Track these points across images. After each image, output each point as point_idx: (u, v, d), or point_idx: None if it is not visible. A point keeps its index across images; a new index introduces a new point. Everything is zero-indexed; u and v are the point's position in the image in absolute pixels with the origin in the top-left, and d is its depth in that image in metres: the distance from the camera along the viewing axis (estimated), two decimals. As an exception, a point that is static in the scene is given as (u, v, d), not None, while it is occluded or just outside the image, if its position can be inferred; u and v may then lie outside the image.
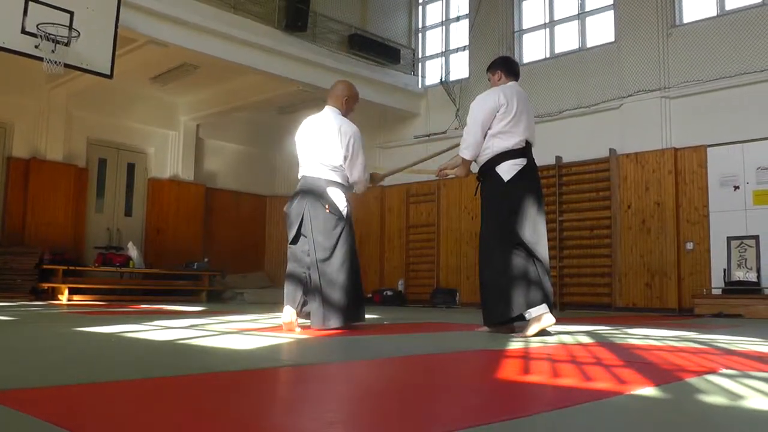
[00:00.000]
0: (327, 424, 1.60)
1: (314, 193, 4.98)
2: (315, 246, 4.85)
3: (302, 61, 11.38)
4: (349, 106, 5.37)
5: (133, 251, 11.87)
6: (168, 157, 13.55)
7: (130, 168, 13.14)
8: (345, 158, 5.03)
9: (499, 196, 4.62)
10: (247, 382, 2.29)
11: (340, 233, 4.94)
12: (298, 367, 2.80)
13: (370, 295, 12.82)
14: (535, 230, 4.49)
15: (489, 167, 4.68)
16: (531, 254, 4.42)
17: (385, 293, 12.69)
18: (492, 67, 4.98)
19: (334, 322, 4.73)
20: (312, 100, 12.78)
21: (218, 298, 12.90)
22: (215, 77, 11.84)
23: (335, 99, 5.35)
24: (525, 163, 4.63)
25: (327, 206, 4.89)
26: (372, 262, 13.66)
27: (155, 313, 7.16)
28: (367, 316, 7.36)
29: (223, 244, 14.02)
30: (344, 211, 5.01)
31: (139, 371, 2.59)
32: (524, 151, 4.66)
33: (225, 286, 13.27)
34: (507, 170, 4.58)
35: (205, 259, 13.02)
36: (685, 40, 10.23)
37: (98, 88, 11.02)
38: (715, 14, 10.19)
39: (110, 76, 9.15)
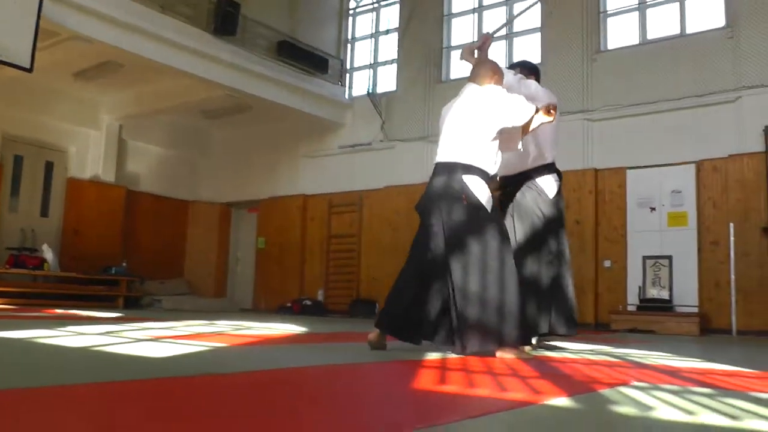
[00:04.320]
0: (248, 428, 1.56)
1: None
2: None
3: (230, 65, 11.22)
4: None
5: (48, 253, 11.45)
6: (89, 157, 13.11)
7: (49, 166, 12.63)
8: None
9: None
10: (156, 391, 2.22)
11: None
12: (213, 375, 2.73)
13: (289, 305, 12.71)
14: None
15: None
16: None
17: (304, 303, 12.58)
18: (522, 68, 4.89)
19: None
20: (238, 105, 12.65)
21: (135, 305, 12.55)
22: (140, 77, 11.55)
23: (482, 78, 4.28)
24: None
25: None
26: (292, 271, 13.55)
27: (69, 319, 6.91)
28: (284, 325, 7.32)
29: (143, 249, 13.65)
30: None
31: (43, 378, 2.48)
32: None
33: (143, 293, 12.93)
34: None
35: (124, 264, 12.66)
36: (609, 65, 10.56)
37: (17, 82, 10.56)
38: (637, 42, 10.56)
39: (30, 70, 8.79)
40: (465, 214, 3.88)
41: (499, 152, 4.13)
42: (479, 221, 3.88)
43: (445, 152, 4.08)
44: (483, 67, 4.28)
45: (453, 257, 3.84)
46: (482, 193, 3.94)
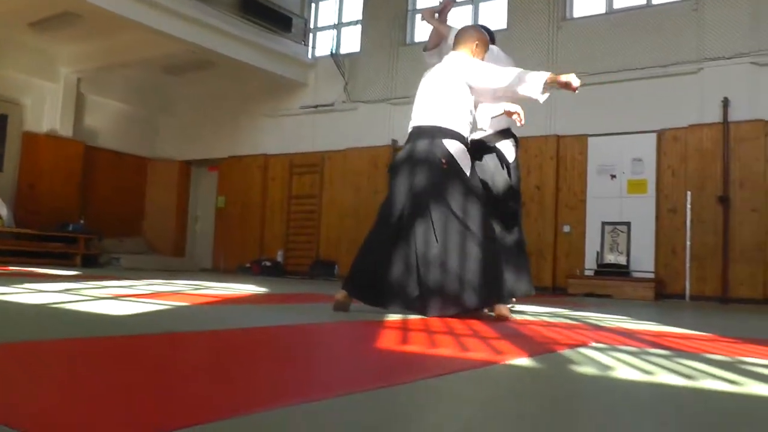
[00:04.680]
0: (208, 383, 1.55)
1: None
2: None
3: (192, 20, 10.93)
4: (479, 54, 4.33)
5: (2, 209, 11.21)
6: (45, 111, 12.77)
7: (2, 120, 12.29)
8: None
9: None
10: (119, 348, 2.19)
11: None
12: (174, 333, 2.71)
13: (248, 265, 12.66)
14: None
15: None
16: None
17: (263, 263, 12.54)
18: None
19: None
20: (200, 62, 12.40)
21: (94, 263, 12.39)
22: (100, 29, 11.20)
23: (461, 45, 4.29)
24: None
25: None
26: (252, 232, 13.47)
27: (26, 276, 6.79)
28: (244, 286, 7.30)
29: (102, 206, 13.43)
30: None
31: (2, 334, 2.44)
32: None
33: (101, 251, 12.76)
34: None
35: (81, 221, 12.47)
36: (574, 33, 10.57)
37: (-32, 31, 10.24)
38: (603, 11, 10.58)
39: (-17, 19, 8.51)
40: (441, 179, 3.87)
41: (474, 116, 4.15)
42: (453, 186, 3.87)
43: (424, 116, 4.07)
44: (465, 35, 4.27)
45: (418, 222, 3.84)
46: (463, 158, 3.96)
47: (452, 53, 4.25)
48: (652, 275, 9.35)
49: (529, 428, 1.34)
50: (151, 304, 4.01)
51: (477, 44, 4.24)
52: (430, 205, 3.86)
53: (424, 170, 3.91)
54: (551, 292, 9.82)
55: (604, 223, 9.78)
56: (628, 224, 9.63)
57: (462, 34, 4.31)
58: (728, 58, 9.27)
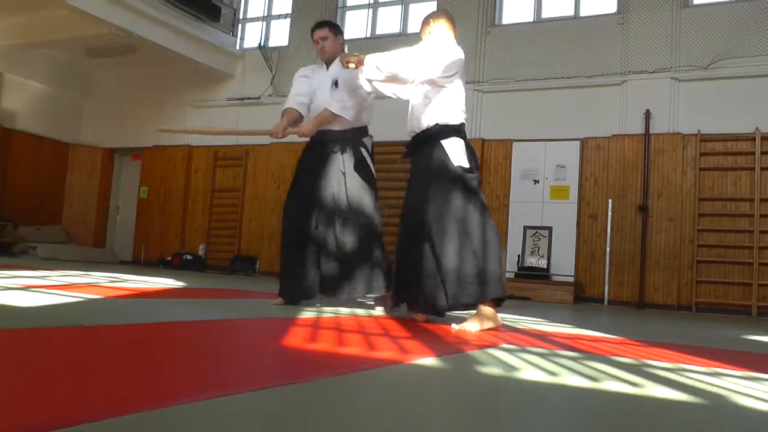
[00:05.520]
0: (107, 379, 1.48)
1: None
2: None
3: (117, 2, 10.50)
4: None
5: None
6: (-43, 89, 12.22)
7: None
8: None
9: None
10: (22, 341, 2.09)
11: None
12: (80, 327, 2.60)
13: (169, 259, 12.40)
14: None
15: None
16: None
17: (184, 257, 12.29)
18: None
19: None
20: (125, 46, 12.05)
21: (7, 251, 11.91)
22: (19, 6, 10.74)
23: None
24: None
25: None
26: (174, 224, 13.19)
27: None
28: (162, 280, 7.13)
29: (18, 192, 12.91)
30: None
31: None
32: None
33: (16, 239, 12.26)
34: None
35: (-5, 207, 11.98)
36: (502, 39, 10.71)
37: None
38: (531, 20, 10.76)
39: None
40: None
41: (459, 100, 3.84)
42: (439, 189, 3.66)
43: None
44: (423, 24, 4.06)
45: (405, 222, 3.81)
46: (460, 156, 3.71)
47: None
48: (571, 279, 9.56)
49: (420, 425, 1.32)
50: (63, 296, 3.86)
51: (426, 26, 4.01)
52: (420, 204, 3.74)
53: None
54: (473, 294, 9.89)
55: (526, 227, 9.94)
56: (549, 229, 9.81)
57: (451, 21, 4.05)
58: (651, 72, 9.55)
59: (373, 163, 4.54)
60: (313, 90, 4.61)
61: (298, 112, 4.58)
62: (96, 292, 4.48)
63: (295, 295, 4.37)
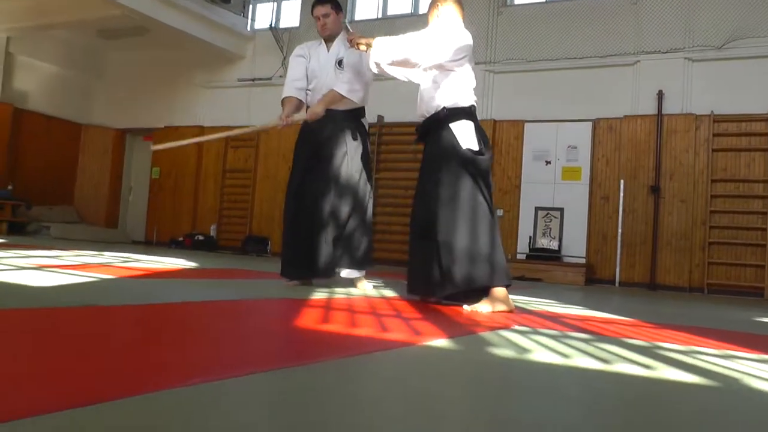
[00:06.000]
0: (120, 359, 1.49)
1: None
2: None
3: (129, -17, 10.56)
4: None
5: None
6: (-30, 70, 12.25)
7: (-77, 78, 11.75)
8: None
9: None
10: (38, 320, 2.11)
11: None
12: (92, 307, 2.62)
13: (181, 239, 12.45)
14: None
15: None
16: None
17: (196, 238, 12.33)
18: None
19: None
20: (136, 27, 12.04)
21: (21, 231, 11.99)
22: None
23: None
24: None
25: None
26: (186, 205, 13.23)
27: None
28: (175, 260, 7.17)
29: (31, 172, 12.97)
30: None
31: None
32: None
33: (29, 218, 12.34)
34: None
35: (9, 187, 12.03)
36: (514, 19, 10.63)
37: None
38: (544, 0, 10.67)
39: None
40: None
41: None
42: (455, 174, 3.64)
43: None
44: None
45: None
46: (470, 139, 3.68)
47: None
48: (583, 261, 9.54)
49: (431, 405, 1.33)
50: (77, 276, 3.89)
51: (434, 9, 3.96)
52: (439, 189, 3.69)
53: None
54: (484, 275, 9.89)
55: (537, 209, 9.92)
56: (561, 210, 9.78)
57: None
58: (664, 52, 9.46)
59: (369, 144, 4.61)
60: (313, 69, 4.59)
61: (297, 98, 4.59)
62: (109, 272, 4.51)
63: (295, 271, 4.44)
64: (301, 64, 4.64)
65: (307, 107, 4.56)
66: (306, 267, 4.37)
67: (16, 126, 12.78)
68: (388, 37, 3.73)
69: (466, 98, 3.74)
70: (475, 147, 3.66)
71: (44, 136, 13.38)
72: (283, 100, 4.62)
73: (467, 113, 3.73)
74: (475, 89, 3.87)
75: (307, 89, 4.61)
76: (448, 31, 3.77)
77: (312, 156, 4.46)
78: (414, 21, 11.32)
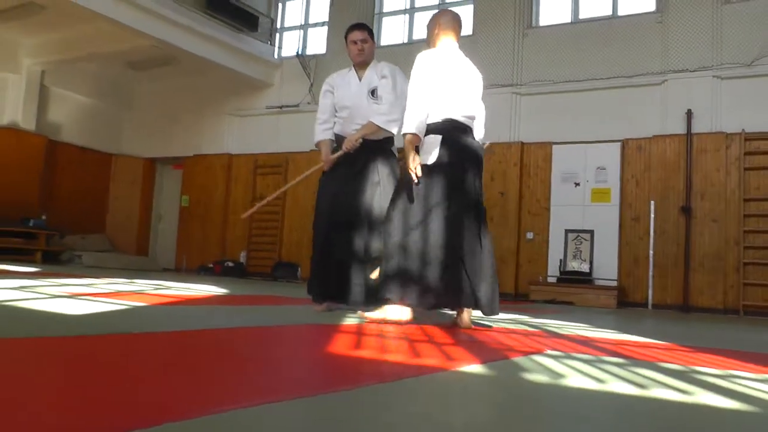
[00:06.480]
0: (156, 386, 1.50)
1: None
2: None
3: (156, 15, 10.76)
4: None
5: (-42, 202, 10.95)
6: (7, 103, 12.52)
7: (-39, 111, 12.04)
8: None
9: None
10: (73, 348, 2.13)
11: None
12: (128, 334, 2.65)
13: (210, 266, 12.54)
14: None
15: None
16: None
17: (226, 264, 12.43)
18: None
19: None
20: (164, 58, 12.25)
21: (54, 260, 12.17)
22: (64, 21, 11.00)
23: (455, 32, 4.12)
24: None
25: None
26: (215, 232, 13.35)
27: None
28: (205, 287, 7.22)
29: (64, 202, 13.20)
30: None
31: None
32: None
33: (62, 247, 12.53)
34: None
35: (43, 217, 12.24)
36: (540, 41, 10.66)
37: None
38: (569, 21, 10.68)
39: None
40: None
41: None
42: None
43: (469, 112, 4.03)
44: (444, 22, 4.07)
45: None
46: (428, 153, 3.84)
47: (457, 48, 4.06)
48: (614, 283, 9.43)
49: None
50: (110, 303, 3.93)
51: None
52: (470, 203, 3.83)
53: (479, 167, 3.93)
54: (513, 299, 9.86)
55: (567, 231, 9.85)
56: (591, 232, 9.70)
57: (446, 22, 4.08)
58: (692, 71, 9.40)
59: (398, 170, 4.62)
60: (341, 98, 4.61)
61: (330, 139, 4.67)
62: (141, 299, 4.55)
63: (321, 295, 4.45)
64: (329, 98, 4.68)
65: (336, 135, 4.60)
66: (336, 294, 4.38)
67: (50, 157, 13.05)
68: (404, 122, 3.81)
69: (435, 115, 3.82)
70: (429, 162, 3.74)
71: (76, 167, 13.63)
72: (317, 143, 4.70)
73: (437, 129, 3.81)
74: (459, 101, 3.96)
75: (335, 116, 4.64)
76: (409, 92, 3.85)
77: (344, 184, 4.47)
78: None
